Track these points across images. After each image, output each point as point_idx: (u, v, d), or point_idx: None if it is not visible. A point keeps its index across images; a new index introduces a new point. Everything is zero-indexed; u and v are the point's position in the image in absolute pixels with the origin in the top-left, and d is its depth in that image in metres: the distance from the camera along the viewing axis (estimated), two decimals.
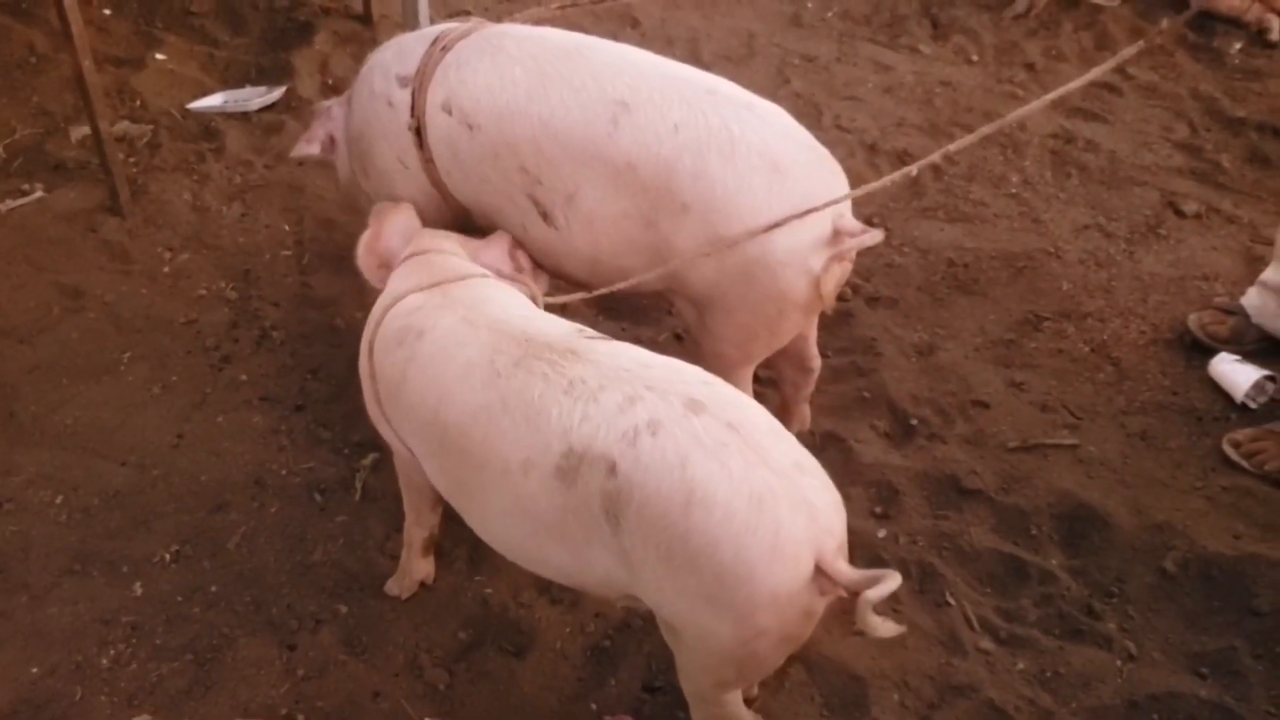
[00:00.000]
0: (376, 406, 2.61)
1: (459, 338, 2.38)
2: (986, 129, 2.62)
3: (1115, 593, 3.06)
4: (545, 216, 2.96)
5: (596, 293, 2.86)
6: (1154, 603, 3.04)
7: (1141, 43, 2.65)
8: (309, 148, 3.50)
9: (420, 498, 2.83)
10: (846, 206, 2.89)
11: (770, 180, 2.73)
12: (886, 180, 2.79)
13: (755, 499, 2.06)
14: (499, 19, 3.36)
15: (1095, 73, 2.63)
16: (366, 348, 2.60)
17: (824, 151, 2.91)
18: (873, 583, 2.06)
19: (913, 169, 2.78)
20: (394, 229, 2.83)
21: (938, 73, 5.48)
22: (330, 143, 3.50)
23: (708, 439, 2.10)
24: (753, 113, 2.84)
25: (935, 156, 2.72)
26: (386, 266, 2.80)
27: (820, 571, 2.09)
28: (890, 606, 3.01)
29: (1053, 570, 3.10)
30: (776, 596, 2.08)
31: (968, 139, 2.66)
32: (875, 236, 2.76)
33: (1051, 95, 2.59)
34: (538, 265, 3.01)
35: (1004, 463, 3.42)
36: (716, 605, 2.11)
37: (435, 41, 3.10)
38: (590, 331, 2.43)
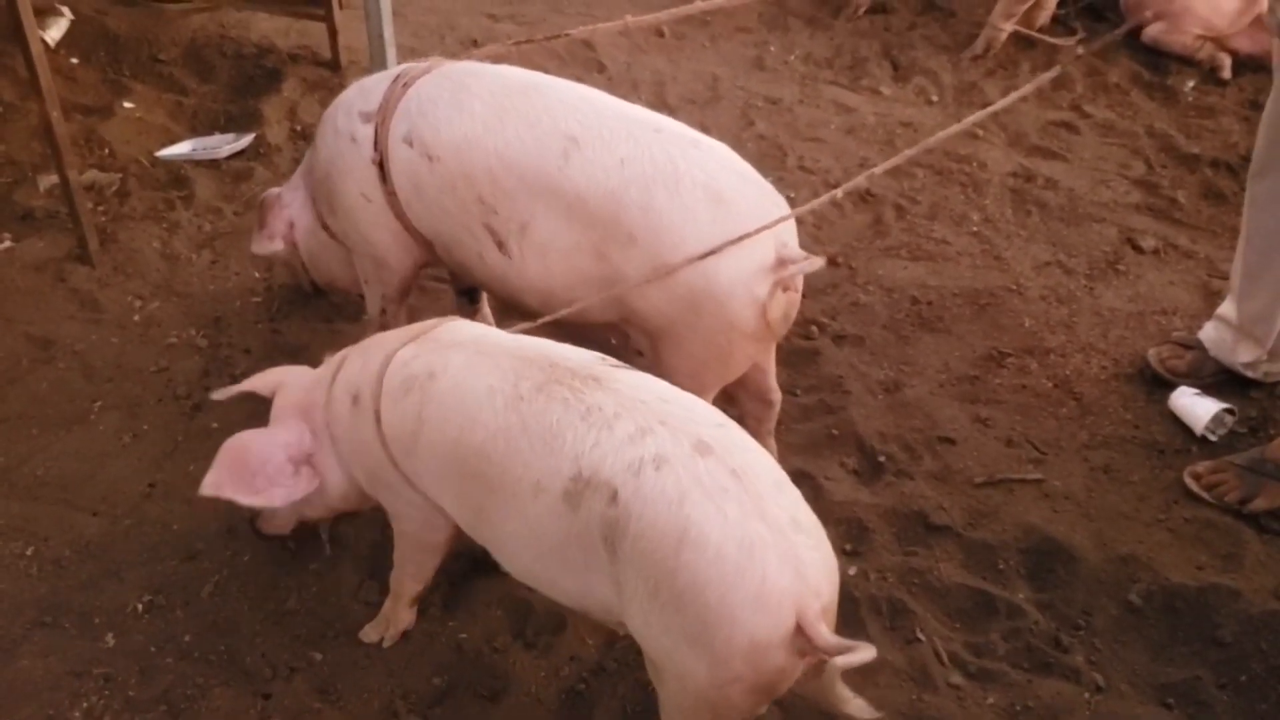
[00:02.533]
0: (388, 471, 2.61)
1: (476, 369, 2.44)
2: (908, 152, 2.77)
3: (1082, 625, 3.10)
4: (500, 245, 3.04)
5: (540, 321, 2.92)
6: (1120, 634, 3.08)
7: (1058, 68, 2.81)
8: (270, 244, 3.59)
9: (429, 557, 2.83)
10: (791, 236, 2.97)
11: (714, 212, 2.82)
12: (815, 204, 2.90)
13: (746, 546, 2.08)
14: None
15: (1002, 102, 2.79)
16: (366, 419, 2.60)
17: (767, 185, 2.99)
18: (847, 650, 2.08)
19: (838, 193, 2.89)
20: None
21: (899, 113, 5.57)
22: (289, 229, 3.59)
23: (709, 481, 2.13)
24: (698, 149, 2.93)
25: (860, 179, 2.91)
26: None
27: (800, 631, 2.10)
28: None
29: (1020, 604, 3.13)
30: (755, 645, 2.10)
31: (887, 164, 2.82)
32: (816, 263, 2.85)
33: (964, 123, 2.71)
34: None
35: (971, 498, 3.46)
36: (697, 646, 2.13)
37: (397, 79, 3.20)
38: (613, 360, 2.48)
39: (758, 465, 2.22)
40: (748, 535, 2.10)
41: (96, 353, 3.92)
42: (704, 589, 2.09)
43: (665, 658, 2.23)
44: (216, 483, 2.65)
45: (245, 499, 2.68)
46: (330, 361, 2.78)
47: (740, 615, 2.08)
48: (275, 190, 3.62)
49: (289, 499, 2.71)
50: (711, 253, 2.76)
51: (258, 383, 2.88)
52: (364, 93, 3.24)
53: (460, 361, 2.48)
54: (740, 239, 2.75)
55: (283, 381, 2.84)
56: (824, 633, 2.11)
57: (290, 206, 3.56)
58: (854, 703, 2.22)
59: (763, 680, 2.17)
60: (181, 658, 2.94)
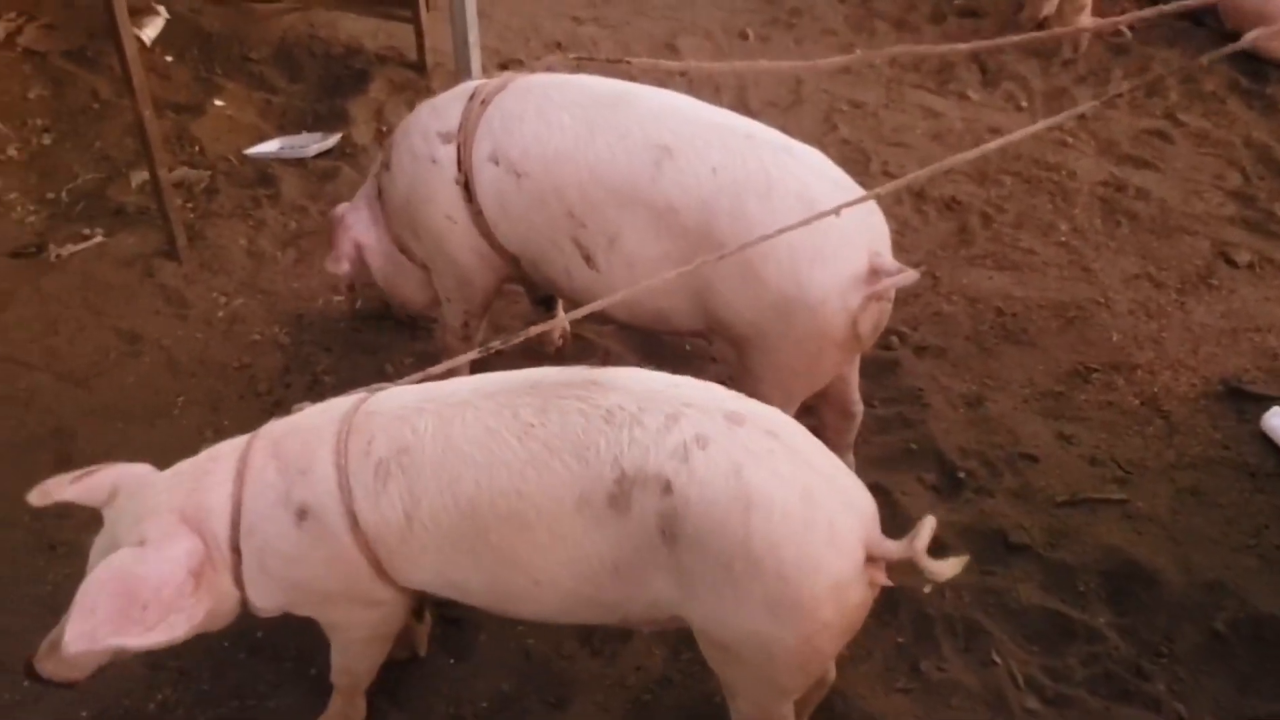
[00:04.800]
0: (361, 581, 2.42)
1: (456, 421, 2.33)
2: (947, 162, 2.68)
3: (1164, 653, 3.01)
4: (588, 259, 3.03)
5: (601, 303, 2.73)
6: (1204, 664, 2.98)
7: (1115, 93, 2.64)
8: (339, 267, 3.58)
9: (385, 646, 2.70)
10: (885, 246, 2.91)
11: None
12: (879, 192, 2.73)
13: (808, 497, 2.16)
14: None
15: (1054, 120, 2.69)
16: (330, 532, 2.35)
17: (861, 192, 2.93)
18: (915, 537, 2.20)
19: (881, 191, 2.73)
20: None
21: (987, 119, 5.46)
22: (357, 251, 3.55)
23: (754, 446, 2.19)
24: (790, 155, 2.91)
25: (902, 182, 2.77)
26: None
27: (870, 560, 2.21)
28: (935, 665, 2.97)
29: (1100, 629, 3.05)
30: (838, 586, 2.18)
31: (930, 170, 2.68)
32: (910, 276, 2.79)
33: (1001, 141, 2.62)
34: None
35: (1052, 518, 3.38)
36: (780, 608, 2.17)
37: (473, 96, 3.17)
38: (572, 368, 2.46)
39: (784, 421, 2.31)
40: (806, 486, 2.18)
41: (182, 348, 3.99)
42: (780, 547, 2.14)
43: (744, 637, 2.25)
44: (90, 631, 2.18)
45: (136, 640, 2.24)
46: (215, 460, 2.45)
47: (821, 561, 2.15)
48: (341, 208, 3.62)
49: (190, 626, 2.32)
50: (767, 237, 2.62)
51: (86, 491, 2.48)
52: (438, 113, 3.22)
53: (430, 423, 2.35)
54: (804, 221, 2.60)
55: (127, 485, 2.47)
56: (893, 545, 2.22)
57: (355, 228, 3.54)
58: (948, 564, 2.28)
59: (846, 620, 2.25)
60: (253, 654, 2.97)
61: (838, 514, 2.19)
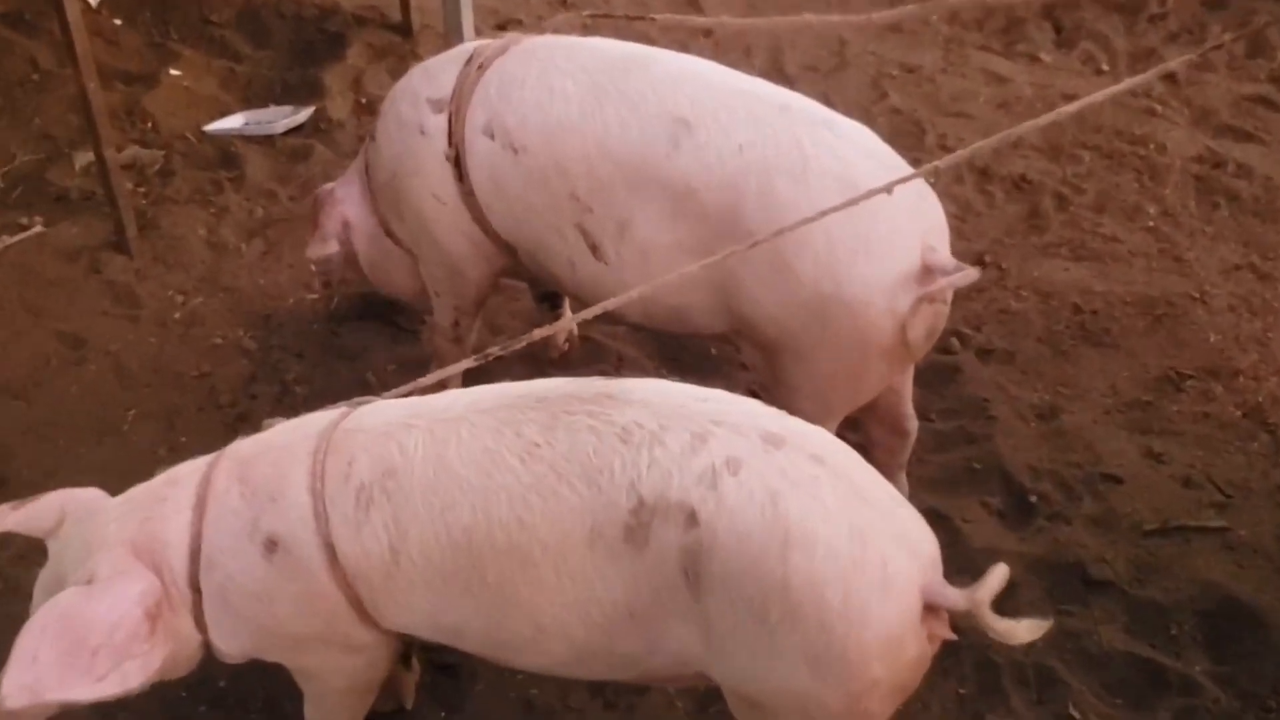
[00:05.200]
0: (340, 622, 2.42)
1: (451, 439, 2.33)
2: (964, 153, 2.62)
3: (1273, 707, 3.00)
4: (595, 249, 3.04)
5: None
6: None
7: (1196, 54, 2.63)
8: (325, 247, 3.59)
9: (368, 696, 2.71)
10: (941, 239, 2.90)
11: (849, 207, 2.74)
12: (934, 167, 2.68)
13: (857, 533, 2.13)
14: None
15: (1138, 80, 2.64)
16: (304, 566, 2.36)
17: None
18: (980, 586, 2.15)
19: (938, 166, 2.67)
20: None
21: (1061, 85, 5.45)
22: (345, 229, 3.58)
23: (795, 472, 2.16)
24: (830, 130, 2.90)
25: (957, 156, 2.69)
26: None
27: (928, 609, 2.17)
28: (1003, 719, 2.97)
29: (1196, 678, 3.04)
30: (889, 639, 2.14)
31: (994, 140, 2.63)
32: (970, 275, 2.78)
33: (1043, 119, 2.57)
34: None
35: (1139, 549, 3.38)
36: (823, 663, 2.14)
37: (470, 60, 3.19)
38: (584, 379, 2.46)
39: (831, 443, 2.29)
40: (855, 521, 2.14)
41: (132, 354, 4.02)
42: (822, 591, 2.11)
43: (780, 696, 2.22)
44: (32, 683, 2.16)
45: (84, 692, 2.21)
46: (173, 484, 2.45)
47: (869, 610, 2.12)
48: (329, 186, 3.65)
49: (147, 675, 2.29)
50: (804, 223, 2.56)
51: (29, 520, 2.48)
52: (430, 77, 3.25)
53: (421, 442, 2.35)
54: (842, 206, 2.55)
55: (74, 513, 2.46)
56: (955, 594, 2.17)
57: (344, 203, 3.57)
58: (1021, 628, 2.21)
59: (899, 678, 2.21)
60: (215, 706, 2.99)
61: (892, 554, 2.15)
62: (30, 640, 2.20)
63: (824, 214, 2.55)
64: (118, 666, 2.24)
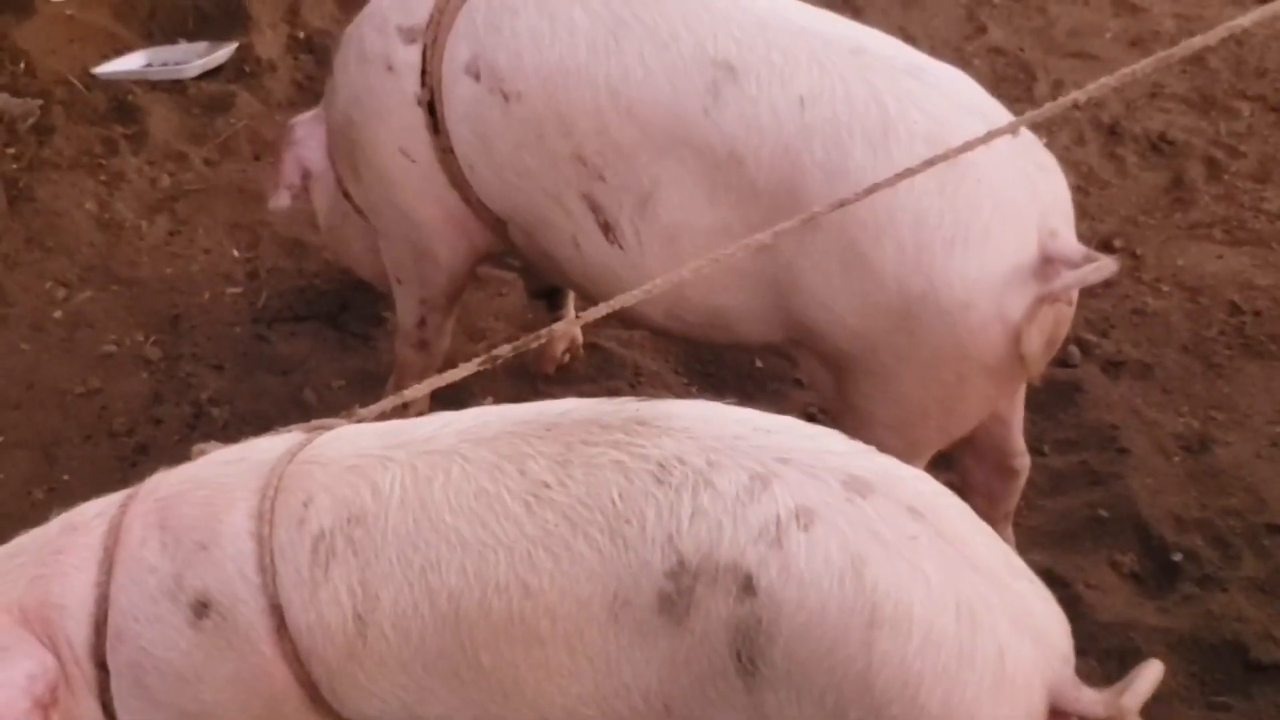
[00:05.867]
0: (287, 708, 2.40)
1: (437, 481, 2.31)
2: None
3: None
4: (606, 228, 3.03)
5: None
6: None
7: None
8: (279, 198, 3.60)
9: None
10: (1065, 220, 2.89)
11: (942, 178, 2.73)
12: (1034, 116, 2.64)
13: (967, 613, 2.09)
14: None
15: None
16: (240, 637, 2.34)
17: (1029, 136, 2.91)
18: (1127, 691, 2.11)
19: (1038, 115, 2.64)
20: None
21: (1213, 14, 5.43)
22: (304, 178, 3.58)
23: (886, 530, 2.13)
24: (918, 80, 2.88)
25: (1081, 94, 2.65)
26: None
27: (1057, 715, 2.13)
28: None
29: None
30: None
31: (1115, 78, 2.56)
32: (1107, 267, 2.73)
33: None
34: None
35: None
36: None
37: None
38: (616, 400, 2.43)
39: (934, 492, 2.24)
40: (964, 596, 2.10)
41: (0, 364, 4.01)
42: (918, 689, 2.07)
43: None
44: None
45: None
46: (73, 533, 2.43)
47: (979, 715, 2.08)
48: (297, 119, 3.64)
49: None
50: (858, 197, 2.50)
51: None
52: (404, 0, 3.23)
53: (400, 479, 2.32)
54: (926, 166, 2.48)
55: None
56: (1091, 696, 2.12)
57: (304, 145, 3.57)
58: None
59: None
60: None
61: (1010, 642, 2.11)
62: None
63: (899, 178, 2.51)
64: None
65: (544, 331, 2.52)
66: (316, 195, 3.62)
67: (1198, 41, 2.53)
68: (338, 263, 3.85)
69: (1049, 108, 2.57)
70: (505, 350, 2.47)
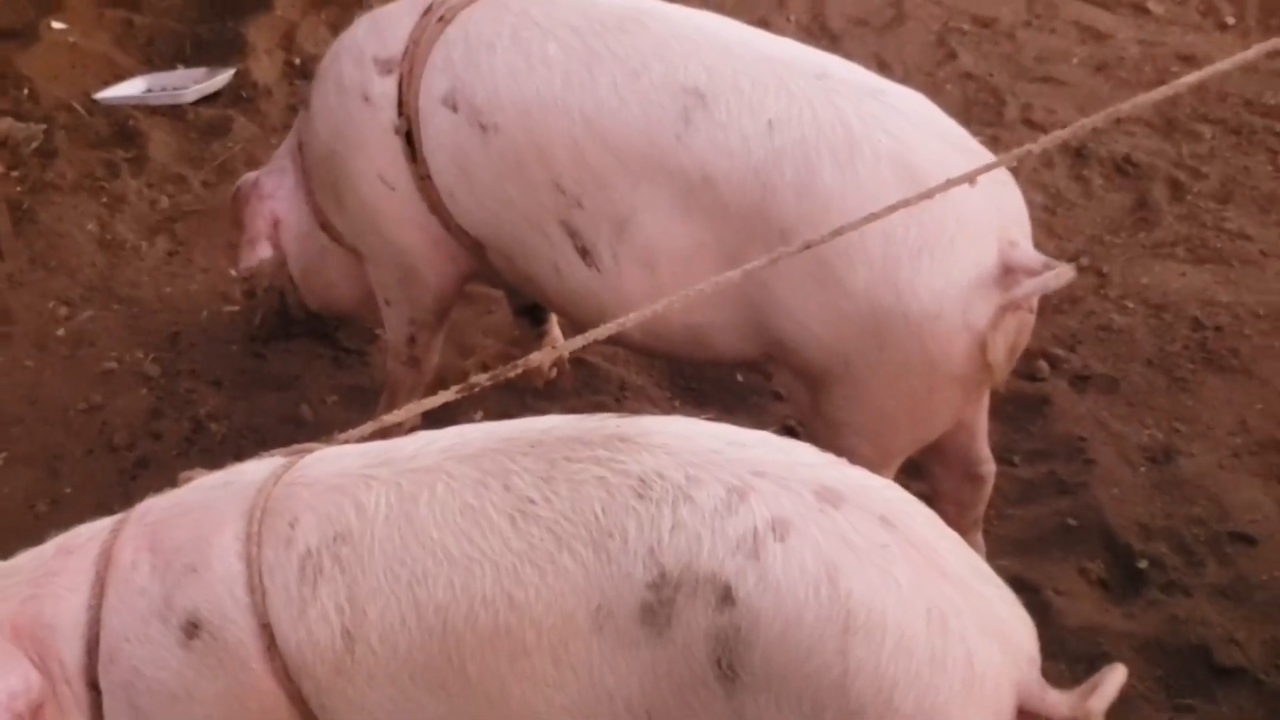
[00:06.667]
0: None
1: (423, 499, 2.32)
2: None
3: None
4: (585, 253, 3.05)
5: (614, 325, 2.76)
6: None
7: None
8: (253, 253, 3.60)
9: None
10: (1023, 232, 2.92)
11: (906, 195, 2.74)
12: (1022, 152, 2.69)
13: (937, 619, 2.11)
14: None
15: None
16: (230, 656, 2.34)
17: (986, 154, 2.94)
18: (1092, 693, 2.12)
19: (1028, 151, 2.70)
20: None
21: (1175, 42, 5.47)
22: (274, 230, 3.58)
23: (859, 540, 2.14)
24: (881, 102, 2.92)
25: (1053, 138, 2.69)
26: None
27: (1023, 714, 2.14)
28: None
29: None
30: None
31: (1095, 119, 2.61)
32: (1064, 275, 2.78)
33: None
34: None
35: (1278, 627, 3.36)
36: None
37: (429, 10, 3.20)
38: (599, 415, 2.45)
39: (904, 502, 2.26)
40: (934, 602, 2.11)
41: (3, 381, 4.02)
42: (892, 693, 2.08)
43: None
44: None
45: None
46: (66, 555, 2.44)
47: (950, 717, 2.09)
48: (252, 175, 3.65)
49: None
50: (843, 231, 2.55)
51: None
52: (379, 31, 3.26)
53: (385, 497, 2.33)
54: (887, 210, 2.52)
55: None
56: (1057, 697, 2.14)
57: (274, 197, 3.57)
58: None
59: None
60: None
61: (979, 646, 2.12)
62: None
63: (894, 209, 2.54)
64: None
65: (520, 362, 2.54)
66: (289, 240, 3.62)
67: (1181, 84, 2.58)
68: (315, 305, 3.82)
69: (1045, 141, 2.60)
70: (482, 379, 2.50)
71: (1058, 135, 2.62)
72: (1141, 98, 2.61)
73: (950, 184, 2.53)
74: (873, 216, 2.54)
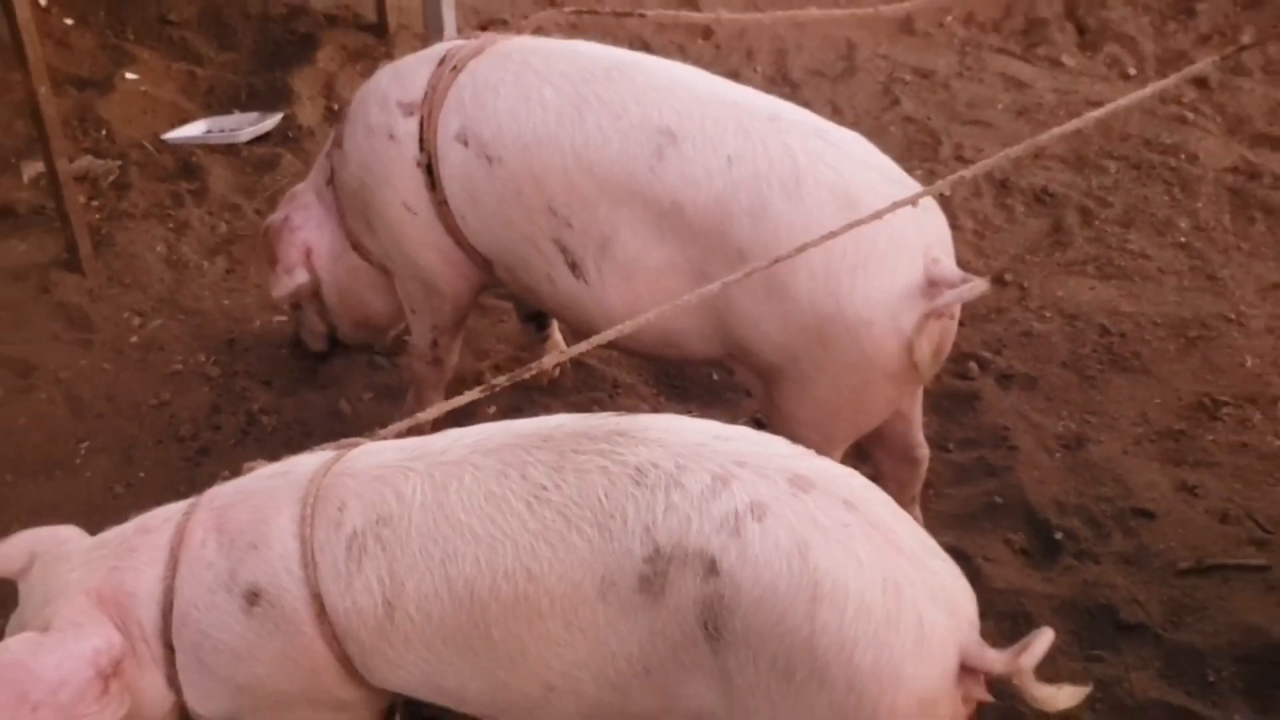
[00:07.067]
0: (326, 681, 2.42)
1: (452, 484, 2.34)
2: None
3: None
4: (574, 267, 3.08)
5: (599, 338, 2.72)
6: None
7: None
8: (291, 279, 3.58)
9: None
10: (946, 250, 2.94)
11: (845, 220, 2.76)
12: (951, 181, 2.70)
13: (892, 588, 2.12)
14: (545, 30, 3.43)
15: (1163, 83, 2.66)
16: (287, 621, 2.37)
17: (913, 185, 2.98)
18: (1023, 652, 2.14)
19: (955, 180, 2.70)
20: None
21: (1085, 91, 5.49)
22: (307, 258, 3.57)
23: (826, 520, 2.16)
24: (824, 140, 2.94)
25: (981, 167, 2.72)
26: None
27: (965, 670, 2.16)
28: None
29: None
30: (923, 702, 2.13)
31: (1013, 151, 2.63)
32: (978, 287, 2.80)
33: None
34: None
35: (1173, 589, 3.38)
36: None
37: (443, 61, 3.22)
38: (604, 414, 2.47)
39: (863, 488, 2.29)
40: (890, 574, 2.13)
41: (85, 381, 4.02)
42: (853, 651, 2.11)
43: None
44: None
45: None
46: (145, 533, 2.46)
47: (903, 672, 2.11)
48: (279, 215, 3.64)
49: None
50: (802, 248, 2.59)
51: None
52: (400, 79, 3.27)
53: (419, 487, 2.35)
54: (848, 227, 2.60)
55: (44, 554, 2.48)
56: (995, 655, 2.16)
57: (303, 229, 3.57)
58: (1062, 694, 2.20)
59: None
60: None
61: (928, 610, 2.14)
62: None
63: (843, 231, 2.56)
64: None
65: (533, 365, 2.59)
66: (321, 265, 3.60)
67: (1087, 119, 2.61)
68: (346, 324, 3.79)
69: (976, 168, 2.62)
70: (501, 380, 2.53)
71: (984, 164, 2.66)
72: (1055, 130, 2.64)
73: (896, 205, 2.59)
74: (828, 236, 2.58)
